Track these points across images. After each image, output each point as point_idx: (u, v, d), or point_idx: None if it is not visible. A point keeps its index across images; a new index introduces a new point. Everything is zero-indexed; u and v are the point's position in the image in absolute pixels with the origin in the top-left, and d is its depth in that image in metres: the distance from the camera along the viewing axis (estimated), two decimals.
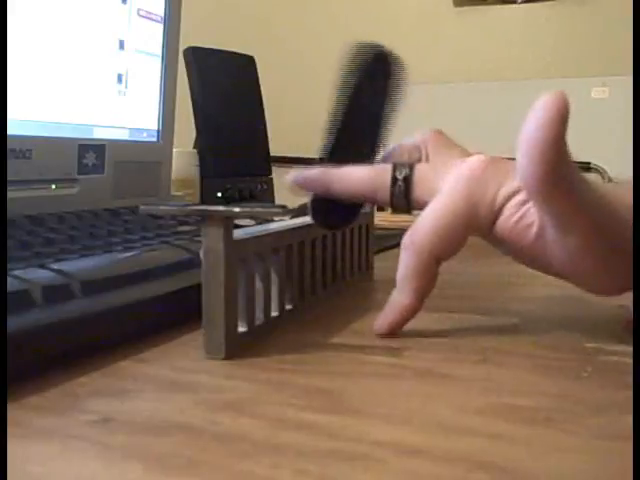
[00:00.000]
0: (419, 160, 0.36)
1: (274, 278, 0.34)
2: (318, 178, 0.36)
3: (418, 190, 0.34)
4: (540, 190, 0.28)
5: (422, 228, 0.33)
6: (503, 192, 0.32)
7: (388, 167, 0.35)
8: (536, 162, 0.27)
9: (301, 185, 0.36)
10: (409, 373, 0.28)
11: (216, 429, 0.22)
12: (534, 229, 0.31)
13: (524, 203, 0.32)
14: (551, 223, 0.30)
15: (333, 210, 0.37)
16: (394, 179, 0.35)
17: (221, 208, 0.29)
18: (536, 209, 0.31)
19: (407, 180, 0.34)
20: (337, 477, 0.19)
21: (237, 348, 0.30)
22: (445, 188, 0.33)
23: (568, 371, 0.28)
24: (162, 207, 0.31)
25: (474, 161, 0.34)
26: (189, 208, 0.30)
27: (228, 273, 0.29)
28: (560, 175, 0.28)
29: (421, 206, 0.34)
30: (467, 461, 0.20)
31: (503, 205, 0.32)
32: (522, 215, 0.32)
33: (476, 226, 0.33)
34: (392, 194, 0.35)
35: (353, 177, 0.35)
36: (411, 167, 0.35)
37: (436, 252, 0.33)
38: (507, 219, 0.32)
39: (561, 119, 0.26)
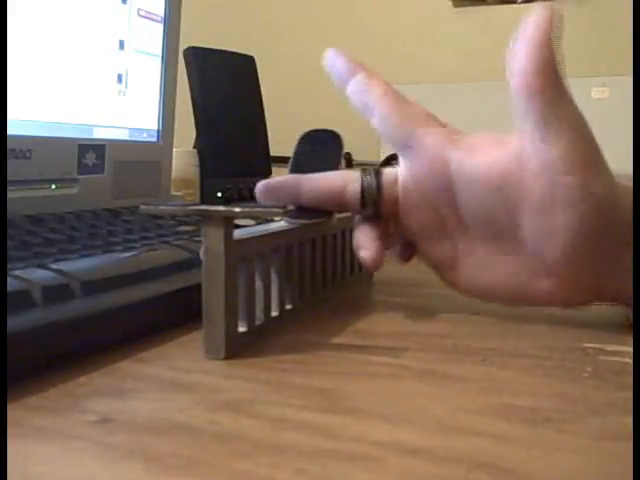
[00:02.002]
0: None
1: (274, 278, 0.34)
2: (287, 184, 0.36)
3: (387, 190, 0.35)
4: (534, 85, 0.30)
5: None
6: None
7: (355, 171, 0.36)
8: (531, 58, 0.30)
9: (270, 193, 0.36)
10: (409, 373, 0.28)
11: (216, 429, 0.22)
12: (511, 146, 0.32)
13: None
14: (536, 129, 0.30)
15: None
16: (362, 179, 0.36)
17: (221, 208, 0.29)
18: (523, 118, 0.31)
19: (378, 176, 0.35)
20: (337, 477, 0.19)
21: (237, 348, 0.30)
22: None
23: (568, 371, 0.28)
24: (162, 207, 0.31)
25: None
26: (189, 208, 0.30)
27: (228, 273, 0.29)
28: (553, 70, 0.29)
29: (391, 206, 0.35)
30: (467, 461, 0.20)
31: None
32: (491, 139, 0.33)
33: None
34: (362, 191, 0.35)
35: (321, 178, 0.36)
36: (377, 171, 0.36)
37: None
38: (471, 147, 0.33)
39: (551, 24, 0.30)
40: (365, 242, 0.34)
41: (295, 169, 0.39)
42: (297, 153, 0.40)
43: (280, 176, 0.37)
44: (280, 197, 0.36)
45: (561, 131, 0.30)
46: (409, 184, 0.35)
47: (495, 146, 0.33)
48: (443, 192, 0.34)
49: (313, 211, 0.37)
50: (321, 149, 0.41)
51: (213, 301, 0.29)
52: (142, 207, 0.30)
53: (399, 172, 0.35)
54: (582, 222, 0.30)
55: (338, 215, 0.40)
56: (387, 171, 0.36)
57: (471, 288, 0.35)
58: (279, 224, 0.37)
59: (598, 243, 0.31)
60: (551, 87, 0.30)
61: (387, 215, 0.36)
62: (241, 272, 0.30)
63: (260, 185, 0.36)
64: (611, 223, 0.31)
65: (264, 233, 0.33)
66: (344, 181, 0.36)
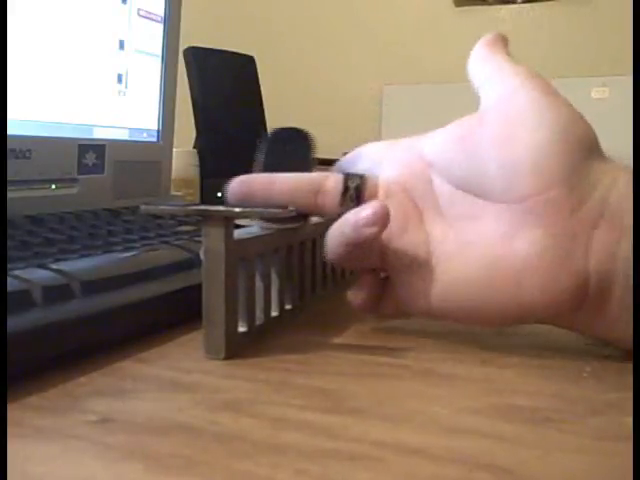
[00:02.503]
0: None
1: (274, 278, 0.34)
2: (259, 184, 0.35)
3: (369, 188, 0.34)
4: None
5: None
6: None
7: (330, 174, 0.35)
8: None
9: (243, 193, 0.34)
10: (409, 373, 0.28)
11: (216, 429, 0.22)
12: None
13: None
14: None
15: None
16: (345, 188, 0.34)
17: (221, 208, 0.29)
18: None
19: (358, 189, 0.34)
20: (337, 477, 0.19)
21: (237, 348, 0.30)
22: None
23: (568, 371, 0.28)
24: (162, 207, 0.31)
25: None
26: (189, 208, 0.30)
27: (228, 273, 0.29)
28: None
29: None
30: (467, 461, 0.20)
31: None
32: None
33: None
34: (342, 201, 0.34)
35: (296, 177, 0.35)
36: (362, 177, 0.34)
37: None
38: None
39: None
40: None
41: (266, 170, 0.37)
42: (267, 152, 0.38)
43: (252, 174, 0.36)
44: (253, 197, 0.34)
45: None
46: (390, 184, 0.34)
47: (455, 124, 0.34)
48: (421, 183, 0.34)
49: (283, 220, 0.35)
50: (292, 148, 0.38)
51: (213, 301, 0.29)
52: (142, 207, 0.30)
53: (381, 175, 0.35)
54: (548, 141, 0.29)
55: (314, 219, 0.38)
56: (368, 173, 0.35)
57: (444, 288, 0.31)
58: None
59: (567, 164, 0.29)
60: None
61: None
62: (241, 272, 0.30)
63: (234, 184, 0.34)
64: (577, 140, 0.30)
65: (264, 233, 0.33)
66: (320, 181, 0.34)
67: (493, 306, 0.30)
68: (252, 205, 0.33)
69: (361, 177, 0.35)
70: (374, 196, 0.34)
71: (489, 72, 0.34)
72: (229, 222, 0.29)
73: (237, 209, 0.29)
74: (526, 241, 0.29)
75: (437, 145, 0.33)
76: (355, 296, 0.34)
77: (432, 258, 0.32)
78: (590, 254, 0.28)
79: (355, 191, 0.34)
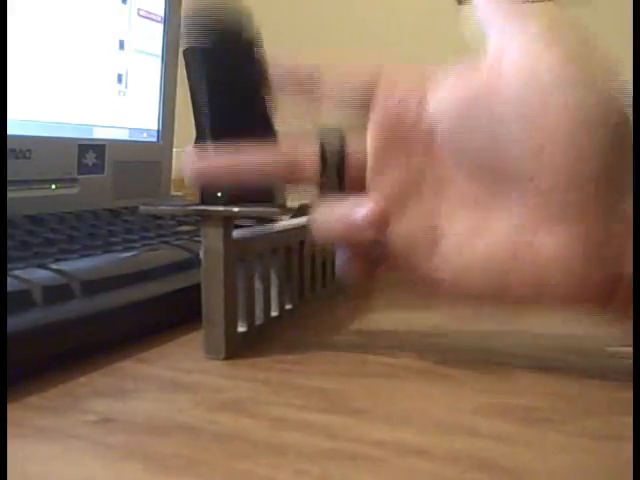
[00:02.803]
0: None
1: (273, 278, 0.34)
2: (219, 161, 0.29)
3: (352, 149, 0.29)
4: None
5: None
6: None
7: (300, 142, 0.30)
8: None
9: (201, 173, 0.29)
10: (409, 373, 0.28)
11: (216, 429, 0.22)
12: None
13: None
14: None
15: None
16: (323, 159, 0.29)
17: (220, 208, 0.29)
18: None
19: (340, 164, 0.29)
20: (337, 477, 0.19)
21: (237, 348, 0.30)
22: None
23: (568, 371, 0.28)
24: (162, 207, 0.31)
25: None
26: (189, 208, 0.30)
27: (228, 273, 0.29)
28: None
29: (357, 172, 0.29)
30: (467, 461, 0.20)
31: None
32: None
33: None
34: (323, 175, 0.29)
35: (262, 148, 0.29)
36: (341, 149, 0.29)
37: None
38: None
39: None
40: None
41: (213, 125, 0.29)
42: (210, 96, 0.29)
43: (209, 152, 0.30)
44: (216, 178, 0.29)
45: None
46: (378, 141, 0.29)
47: (466, 69, 0.28)
48: (418, 141, 0.28)
49: (251, 197, 0.30)
50: (236, 74, 0.30)
51: (212, 301, 0.29)
52: (142, 207, 0.30)
53: (367, 133, 0.29)
54: (581, 120, 0.25)
55: (290, 204, 0.33)
56: (349, 131, 0.30)
57: (455, 273, 0.27)
58: (280, 223, 0.37)
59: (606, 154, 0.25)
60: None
61: (350, 186, 0.29)
62: (240, 272, 0.30)
63: (190, 161, 0.29)
64: (618, 123, 0.25)
65: (264, 233, 0.33)
66: (292, 154, 0.29)
67: (509, 293, 0.27)
68: (217, 186, 0.29)
69: (340, 148, 0.29)
70: (360, 168, 0.29)
71: (505, 10, 0.27)
72: (228, 222, 0.29)
73: (236, 209, 0.29)
74: (553, 238, 0.25)
75: (441, 104, 0.27)
76: (345, 270, 0.29)
77: (441, 240, 0.27)
78: (625, 257, 0.25)
79: (336, 166, 0.29)
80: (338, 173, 0.29)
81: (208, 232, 0.29)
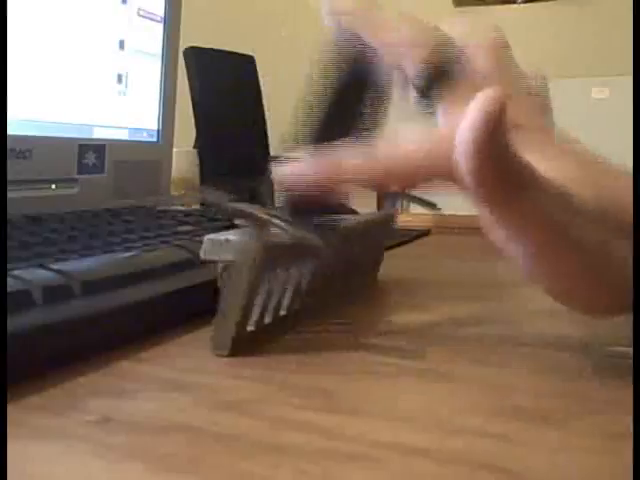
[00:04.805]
0: None
1: (291, 282, 0.34)
2: (328, 168, 0.27)
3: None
4: (480, 190, 0.24)
5: None
6: None
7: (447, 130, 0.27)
8: (470, 157, 0.23)
9: (306, 180, 0.28)
10: (409, 373, 0.28)
11: (216, 429, 0.22)
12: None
13: None
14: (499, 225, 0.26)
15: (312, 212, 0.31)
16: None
17: (264, 215, 0.29)
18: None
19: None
20: (337, 477, 0.19)
21: (243, 347, 0.30)
22: None
23: (568, 371, 0.28)
24: (226, 205, 0.31)
25: None
26: (253, 212, 0.30)
27: (256, 276, 0.29)
28: (502, 171, 0.23)
29: None
30: (467, 461, 0.20)
31: None
32: None
33: None
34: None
35: (400, 152, 0.27)
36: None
37: None
38: None
39: (492, 117, 0.22)
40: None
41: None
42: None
43: (316, 157, 0.27)
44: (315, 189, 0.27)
45: (527, 242, 0.26)
46: None
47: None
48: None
49: (314, 212, 0.29)
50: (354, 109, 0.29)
51: (232, 299, 0.29)
52: (206, 195, 0.29)
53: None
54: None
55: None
56: None
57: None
58: None
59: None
60: (502, 197, 0.24)
61: None
62: (265, 275, 0.31)
63: (302, 167, 0.27)
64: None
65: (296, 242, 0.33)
66: (435, 157, 0.26)
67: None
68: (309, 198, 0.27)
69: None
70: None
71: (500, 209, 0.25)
72: (266, 225, 0.29)
73: (283, 223, 0.28)
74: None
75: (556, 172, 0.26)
76: None
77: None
78: None
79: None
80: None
81: (246, 232, 0.29)
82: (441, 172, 0.26)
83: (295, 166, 0.28)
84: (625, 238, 0.26)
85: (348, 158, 0.27)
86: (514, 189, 0.24)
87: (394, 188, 0.30)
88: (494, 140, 0.22)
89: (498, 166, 0.23)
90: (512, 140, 0.23)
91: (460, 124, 0.23)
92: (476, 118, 0.22)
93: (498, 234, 0.27)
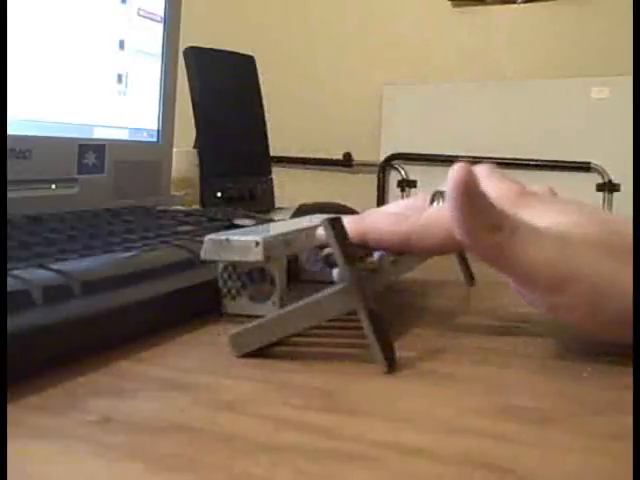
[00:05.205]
0: None
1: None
2: (352, 232, 0.32)
3: None
4: (472, 248, 0.29)
5: None
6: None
7: (415, 208, 0.35)
8: (460, 228, 0.28)
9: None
10: (409, 373, 0.28)
11: (216, 429, 0.22)
12: None
13: None
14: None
15: None
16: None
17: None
18: None
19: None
20: (337, 477, 0.19)
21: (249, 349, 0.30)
22: None
23: (568, 371, 0.28)
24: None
25: None
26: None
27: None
28: (477, 213, 0.28)
29: None
30: (467, 461, 0.20)
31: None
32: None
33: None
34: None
35: (380, 231, 0.34)
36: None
37: None
38: None
39: (467, 193, 0.27)
40: None
41: None
42: None
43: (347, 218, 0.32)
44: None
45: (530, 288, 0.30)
46: None
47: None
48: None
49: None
50: None
51: (286, 326, 0.29)
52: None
53: None
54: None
55: None
56: None
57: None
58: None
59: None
60: (493, 254, 0.29)
61: None
62: None
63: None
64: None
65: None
66: (406, 231, 0.33)
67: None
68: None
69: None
70: None
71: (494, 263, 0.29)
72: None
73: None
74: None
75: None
76: None
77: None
78: None
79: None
80: None
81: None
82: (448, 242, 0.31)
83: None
84: (628, 264, 0.28)
85: (374, 225, 0.34)
86: (492, 229, 0.28)
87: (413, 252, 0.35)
88: (468, 193, 0.27)
89: (473, 210, 0.28)
90: (485, 194, 0.28)
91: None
92: (452, 185, 0.27)
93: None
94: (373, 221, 0.34)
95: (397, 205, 0.39)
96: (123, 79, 0.61)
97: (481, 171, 0.34)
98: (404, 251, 0.35)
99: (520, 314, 0.38)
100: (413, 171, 2.27)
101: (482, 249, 0.28)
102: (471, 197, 0.27)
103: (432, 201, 0.35)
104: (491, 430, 0.22)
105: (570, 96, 2.07)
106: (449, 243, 0.31)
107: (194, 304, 0.35)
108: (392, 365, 0.28)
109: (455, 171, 0.27)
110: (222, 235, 0.34)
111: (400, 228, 0.33)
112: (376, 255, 0.35)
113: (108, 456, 0.20)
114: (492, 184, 0.32)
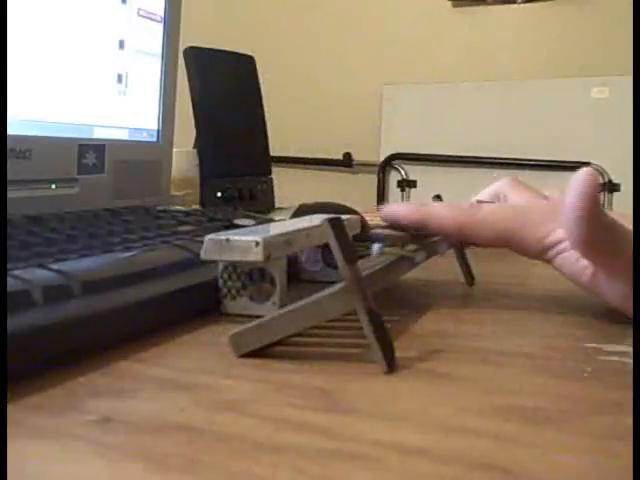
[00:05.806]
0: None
1: None
2: (413, 215, 0.39)
3: None
4: (581, 251, 0.33)
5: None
6: (560, 233, 0.36)
7: (472, 206, 0.39)
8: (574, 230, 0.32)
9: (397, 219, 0.39)
10: (409, 373, 0.28)
11: (216, 429, 0.22)
12: (589, 270, 0.35)
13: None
14: (598, 270, 0.35)
15: None
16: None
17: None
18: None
19: None
20: (337, 477, 0.19)
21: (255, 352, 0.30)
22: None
23: (568, 371, 0.28)
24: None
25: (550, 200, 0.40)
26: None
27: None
28: (597, 239, 0.32)
29: None
30: (467, 461, 0.20)
31: (556, 244, 0.36)
32: (579, 257, 0.35)
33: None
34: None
35: (442, 216, 0.38)
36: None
37: None
38: (567, 257, 0.36)
39: (593, 194, 0.31)
40: None
41: None
42: None
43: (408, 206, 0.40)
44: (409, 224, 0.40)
45: (620, 279, 0.34)
46: None
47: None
48: None
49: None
50: None
51: (287, 325, 0.29)
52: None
53: None
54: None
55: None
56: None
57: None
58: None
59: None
60: (597, 254, 0.34)
61: None
62: None
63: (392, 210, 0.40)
64: None
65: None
66: (460, 224, 0.39)
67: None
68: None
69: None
70: None
71: (597, 261, 0.35)
72: None
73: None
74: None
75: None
76: None
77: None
78: None
79: None
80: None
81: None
82: (503, 237, 0.38)
83: (400, 207, 0.40)
84: None
85: (437, 210, 0.39)
86: (606, 244, 0.33)
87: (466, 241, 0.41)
88: (594, 209, 0.31)
89: (596, 225, 0.32)
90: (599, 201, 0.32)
91: (566, 201, 0.31)
92: (579, 196, 0.31)
93: (600, 286, 0.35)
94: (435, 209, 0.39)
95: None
96: (123, 79, 0.61)
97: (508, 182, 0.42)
98: (459, 239, 0.41)
99: (520, 314, 0.38)
100: (413, 171, 2.27)
101: (591, 249, 0.33)
102: (596, 203, 0.31)
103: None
104: (491, 430, 0.22)
105: (570, 96, 2.07)
106: (498, 239, 0.38)
107: (194, 304, 0.35)
108: (392, 365, 0.28)
109: (585, 178, 0.31)
110: (222, 235, 0.34)
111: (459, 217, 0.38)
112: (375, 248, 0.35)
113: (108, 456, 0.20)
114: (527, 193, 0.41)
